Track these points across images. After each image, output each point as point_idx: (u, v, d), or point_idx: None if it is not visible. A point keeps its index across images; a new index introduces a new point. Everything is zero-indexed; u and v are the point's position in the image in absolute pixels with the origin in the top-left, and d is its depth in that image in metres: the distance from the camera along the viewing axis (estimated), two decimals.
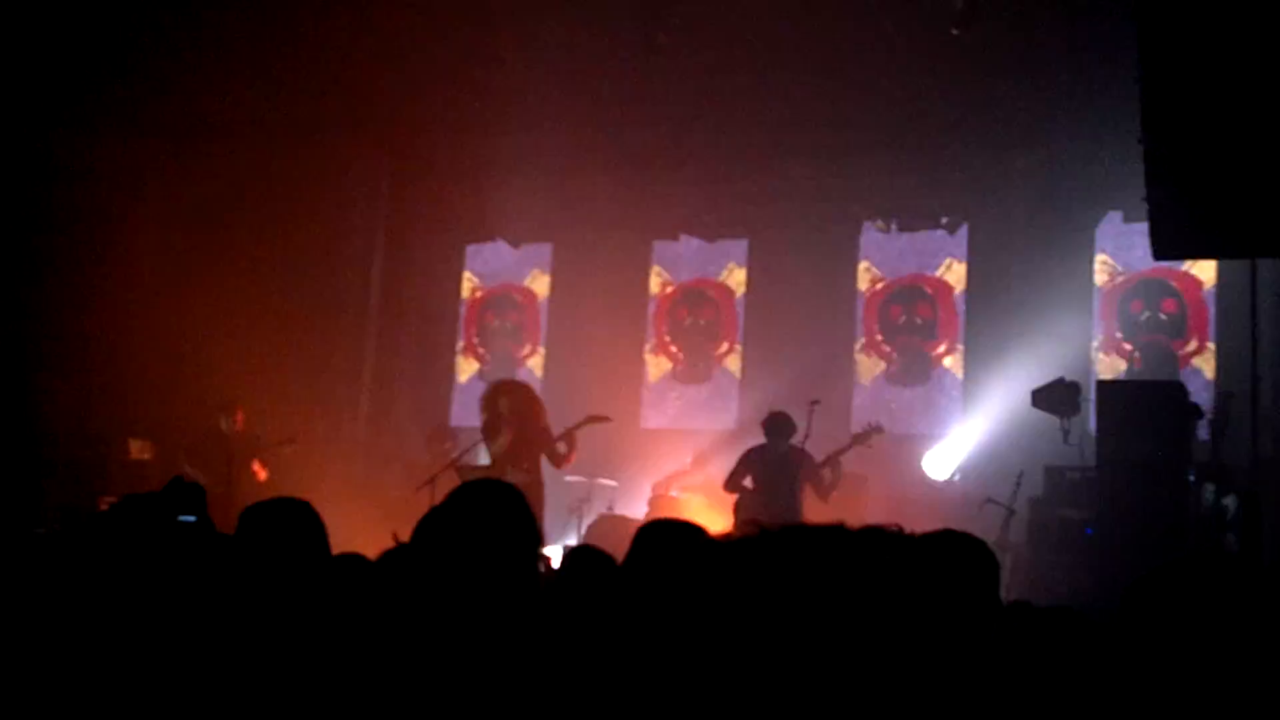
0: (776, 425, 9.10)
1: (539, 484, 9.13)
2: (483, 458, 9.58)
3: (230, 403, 10.54)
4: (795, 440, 8.98)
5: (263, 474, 10.24)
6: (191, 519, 4.01)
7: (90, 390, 11.20)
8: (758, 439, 9.22)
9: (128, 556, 2.99)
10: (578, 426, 9.40)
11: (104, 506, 9.58)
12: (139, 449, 11.11)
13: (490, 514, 2.49)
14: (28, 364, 10.87)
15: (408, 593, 2.45)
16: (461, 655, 2.27)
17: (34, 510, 9.58)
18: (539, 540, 2.56)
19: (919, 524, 6.84)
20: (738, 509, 8.99)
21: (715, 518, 9.96)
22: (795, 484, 8.82)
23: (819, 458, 9.00)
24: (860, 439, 9.26)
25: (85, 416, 11.09)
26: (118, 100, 10.77)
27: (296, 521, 3.43)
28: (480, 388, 12.72)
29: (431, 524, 2.49)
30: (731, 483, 9.13)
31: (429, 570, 2.42)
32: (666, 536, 3.15)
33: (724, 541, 1.37)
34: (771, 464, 8.99)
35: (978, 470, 10.07)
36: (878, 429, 9.38)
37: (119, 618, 2.78)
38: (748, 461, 9.13)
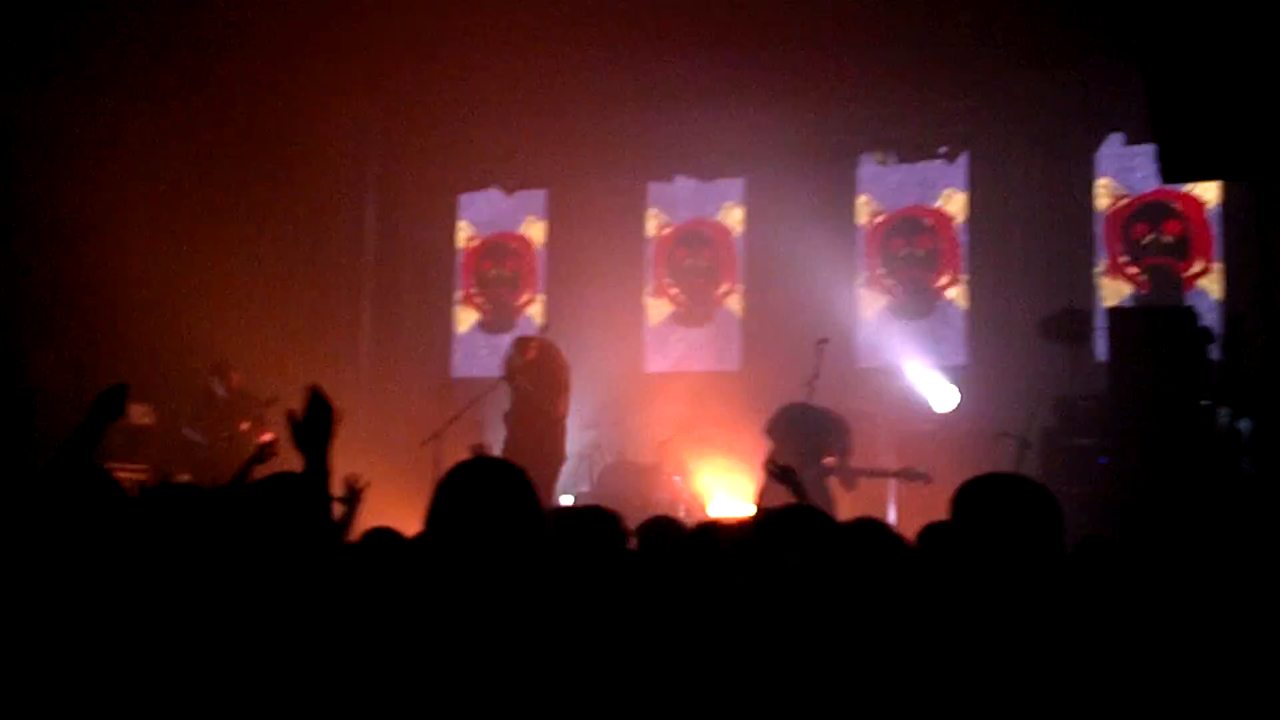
0: (811, 445, 7.97)
1: (547, 441, 9.05)
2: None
3: (221, 365, 10.41)
4: (803, 383, 8.42)
5: (266, 435, 10.06)
6: None
7: (85, 358, 11.05)
8: (760, 378, 8.93)
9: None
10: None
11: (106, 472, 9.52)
12: (139, 413, 10.97)
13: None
14: (20, 335, 10.70)
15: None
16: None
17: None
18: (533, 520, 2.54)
19: (932, 460, 6.76)
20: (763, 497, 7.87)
21: (729, 468, 9.77)
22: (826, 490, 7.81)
23: (844, 446, 7.98)
24: (903, 475, 8.26)
25: (82, 384, 10.94)
26: (98, 60, 10.55)
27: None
28: (481, 338, 12.67)
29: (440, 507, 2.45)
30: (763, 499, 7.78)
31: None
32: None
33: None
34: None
35: (987, 402, 9.98)
36: (923, 477, 8.23)
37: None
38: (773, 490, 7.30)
